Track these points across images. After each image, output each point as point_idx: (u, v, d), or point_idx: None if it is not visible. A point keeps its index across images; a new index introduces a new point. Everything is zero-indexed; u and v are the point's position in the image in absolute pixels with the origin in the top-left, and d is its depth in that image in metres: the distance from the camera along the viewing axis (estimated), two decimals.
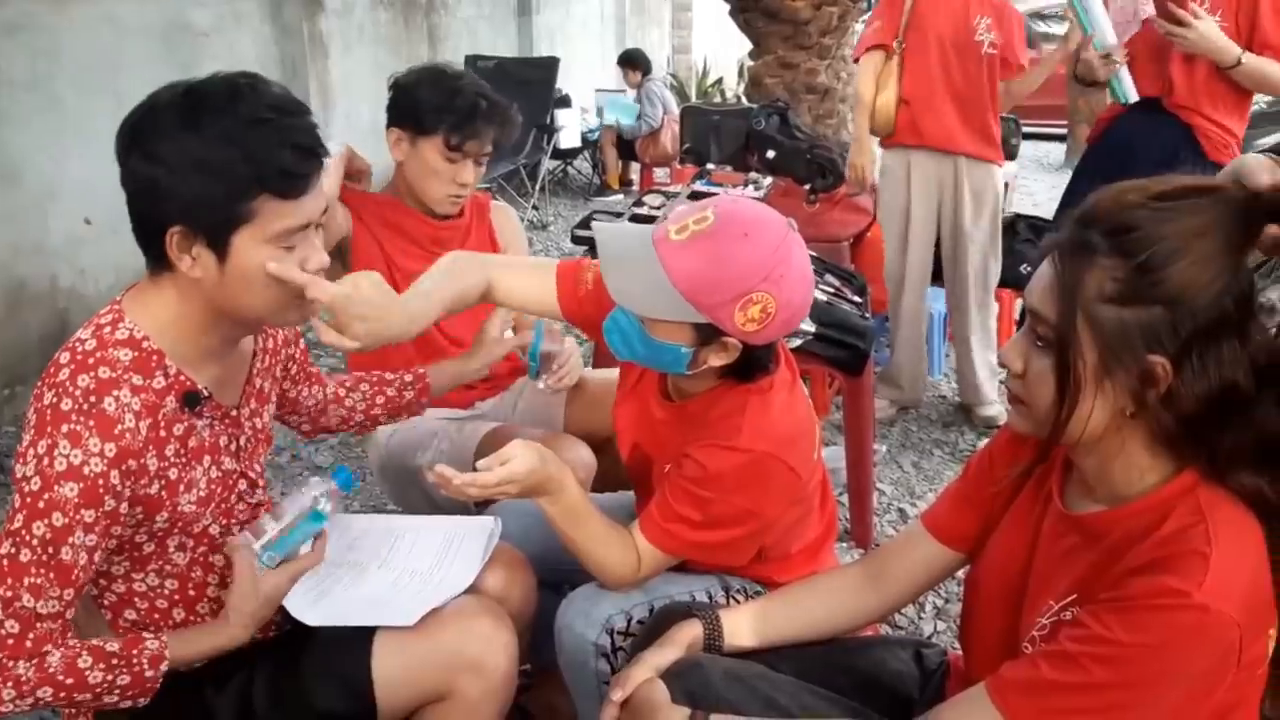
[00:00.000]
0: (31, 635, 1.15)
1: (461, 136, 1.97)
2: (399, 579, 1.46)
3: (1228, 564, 0.94)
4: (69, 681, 1.17)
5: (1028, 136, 4.95)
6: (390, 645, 1.32)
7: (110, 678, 1.19)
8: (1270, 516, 1.00)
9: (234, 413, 1.35)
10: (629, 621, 1.45)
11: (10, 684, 1.14)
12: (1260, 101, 6.28)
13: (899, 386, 3.61)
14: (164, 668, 1.23)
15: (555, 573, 1.67)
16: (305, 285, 1.24)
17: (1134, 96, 2.80)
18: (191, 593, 1.34)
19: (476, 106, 1.97)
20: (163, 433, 1.22)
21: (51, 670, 1.16)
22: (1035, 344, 1.05)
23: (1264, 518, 1.01)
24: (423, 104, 1.98)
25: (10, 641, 1.14)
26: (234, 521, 1.37)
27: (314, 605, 1.37)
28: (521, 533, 1.68)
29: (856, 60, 3.48)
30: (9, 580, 1.14)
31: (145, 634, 1.26)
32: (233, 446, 1.35)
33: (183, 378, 1.25)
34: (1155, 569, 0.96)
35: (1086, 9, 2.82)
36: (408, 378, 1.73)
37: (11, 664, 1.15)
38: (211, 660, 1.32)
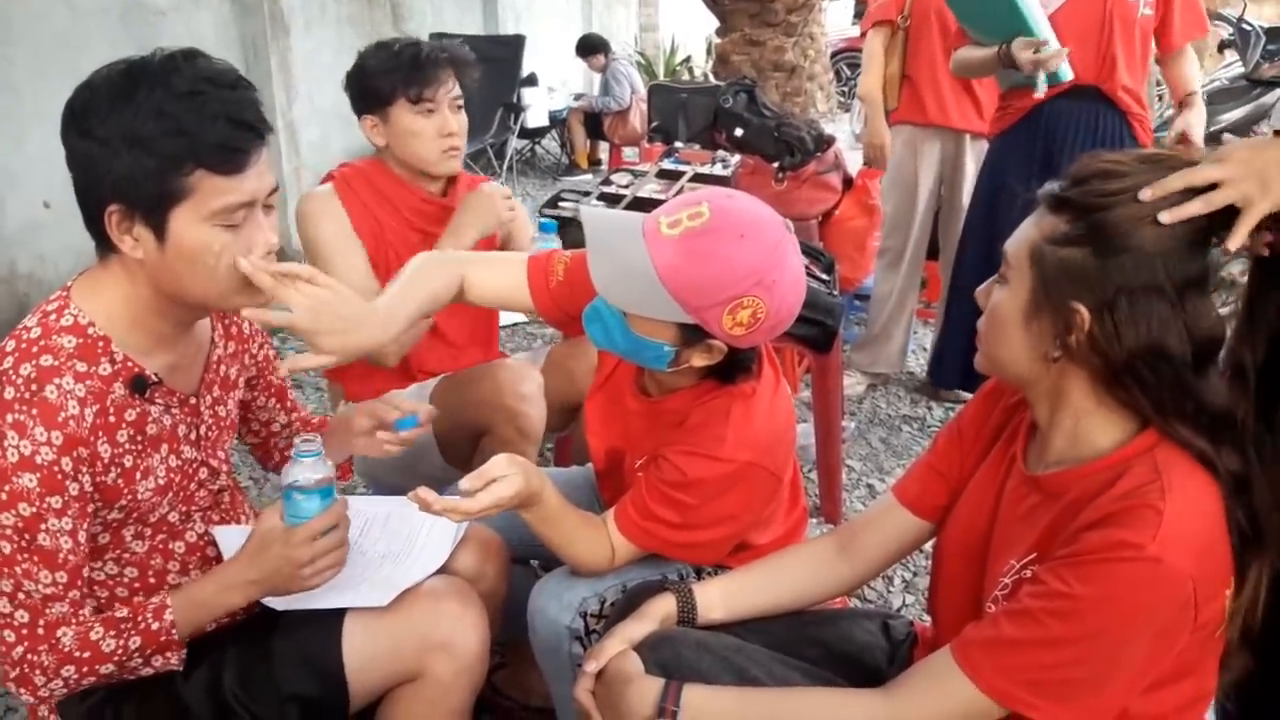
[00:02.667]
0: (42, 621, 1.17)
1: (419, 86, 1.96)
2: (369, 563, 1.45)
3: (1181, 519, 0.96)
4: (86, 655, 1.19)
5: None
6: (361, 627, 1.32)
7: (123, 643, 1.21)
8: (1235, 483, 1.03)
9: (192, 400, 1.34)
10: (602, 604, 1.46)
11: (38, 671, 1.18)
12: (1222, 78, 6.38)
13: (884, 360, 3.64)
14: (169, 616, 1.22)
15: (527, 548, 1.68)
16: (270, 291, 1.22)
17: (1068, 75, 2.61)
18: (152, 580, 1.33)
19: (419, 53, 1.97)
20: (112, 419, 1.21)
21: (67, 649, 1.18)
22: (998, 282, 1.11)
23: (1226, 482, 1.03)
24: (372, 76, 1.98)
25: (25, 631, 1.17)
26: (194, 508, 1.36)
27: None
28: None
29: (863, 35, 3.52)
30: (3, 571, 1.15)
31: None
32: (192, 435, 1.34)
33: (130, 363, 1.23)
34: (1109, 523, 0.99)
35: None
36: (312, 419, 1.67)
37: (33, 654, 1.17)
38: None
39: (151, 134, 1.12)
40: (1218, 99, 5.85)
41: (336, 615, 1.33)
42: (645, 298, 1.25)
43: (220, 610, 1.28)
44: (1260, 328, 1.09)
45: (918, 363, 3.90)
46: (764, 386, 1.41)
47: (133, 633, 1.21)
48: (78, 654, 1.19)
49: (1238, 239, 1.00)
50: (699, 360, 1.33)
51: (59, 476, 1.14)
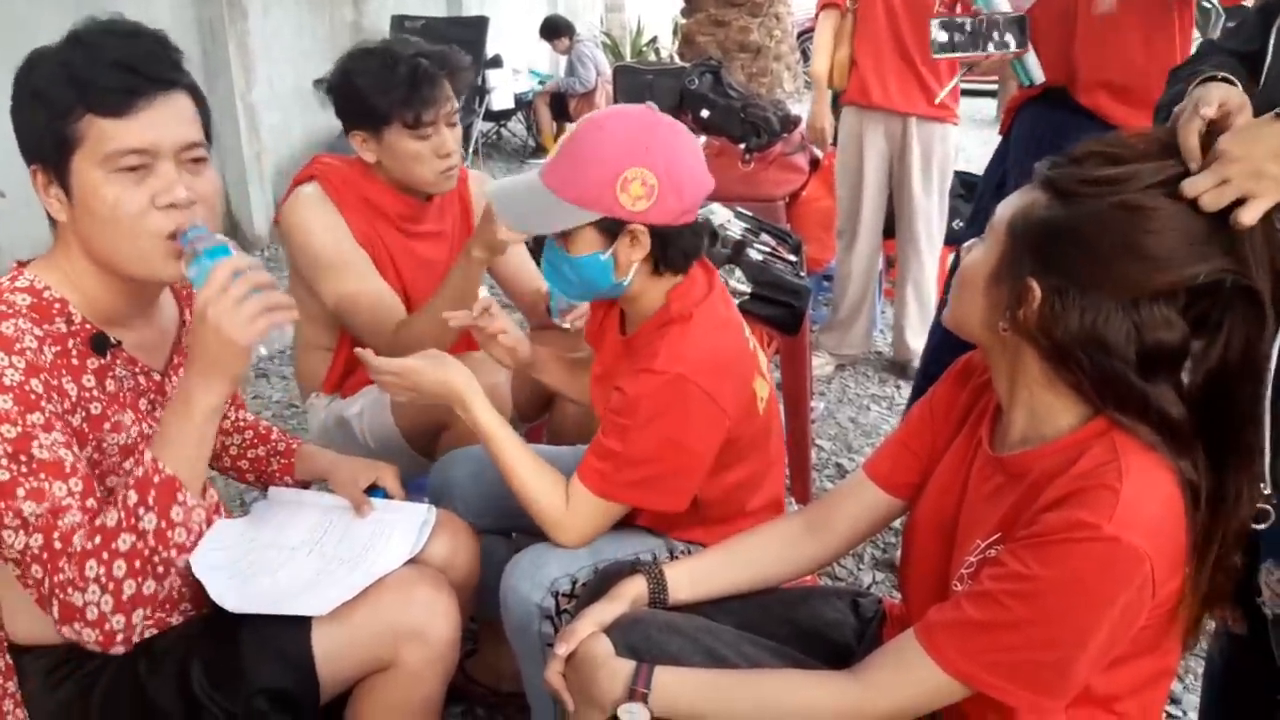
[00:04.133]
0: (56, 534, 1.13)
1: (418, 110, 1.84)
2: (327, 566, 1.43)
3: (1138, 499, 0.97)
4: (97, 541, 1.14)
5: (962, 93, 5.00)
6: (330, 618, 1.31)
7: (124, 505, 1.16)
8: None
9: (157, 376, 1.33)
10: (574, 584, 1.46)
11: (71, 590, 1.14)
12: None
13: (851, 340, 3.67)
14: (148, 456, 1.17)
15: (504, 519, 1.69)
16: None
17: (1040, 77, 2.26)
18: None
19: (417, 70, 1.84)
20: (74, 361, 1.20)
21: (79, 547, 1.14)
22: (980, 241, 1.13)
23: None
24: (365, 95, 1.85)
25: (45, 555, 1.14)
26: None
27: (239, 590, 1.34)
28: (471, 476, 1.71)
29: (815, 17, 3.52)
30: (6, 502, 1.12)
31: None
32: (158, 413, 1.32)
33: (88, 325, 1.23)
34: (1067, 504, 0.99)
35: None
36: (280, 446, 1.66)
37: (57, 574, 1.14)
38: (143, 641, 1.29)
39: (48, 85, 1.17)
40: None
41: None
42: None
43: (197, 424, 1.20)
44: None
45: (885, 342, 3.93)
46: (704, 314, 1.45)
47: (128, 489, 1.17)
48: (90, 545, 1.14)
49: (1249, 218, 0.98)
50: (635, 254, 1.41)
51: (32, 397, 1.12)
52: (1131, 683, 1.07)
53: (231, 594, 1.32)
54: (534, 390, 2.03)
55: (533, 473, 1.47)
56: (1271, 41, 1.27)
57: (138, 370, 1.30)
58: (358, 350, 1.57)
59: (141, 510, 1.17)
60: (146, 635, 1.22)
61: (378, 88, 1.84)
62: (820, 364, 3.58)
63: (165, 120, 1.19)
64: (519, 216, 1.46)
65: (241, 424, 1.66)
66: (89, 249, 1.22)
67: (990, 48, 2.17)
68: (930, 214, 3.47)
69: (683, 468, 1.44)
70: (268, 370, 3.86)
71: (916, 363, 3.55)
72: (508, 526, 1.75)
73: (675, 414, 1.39)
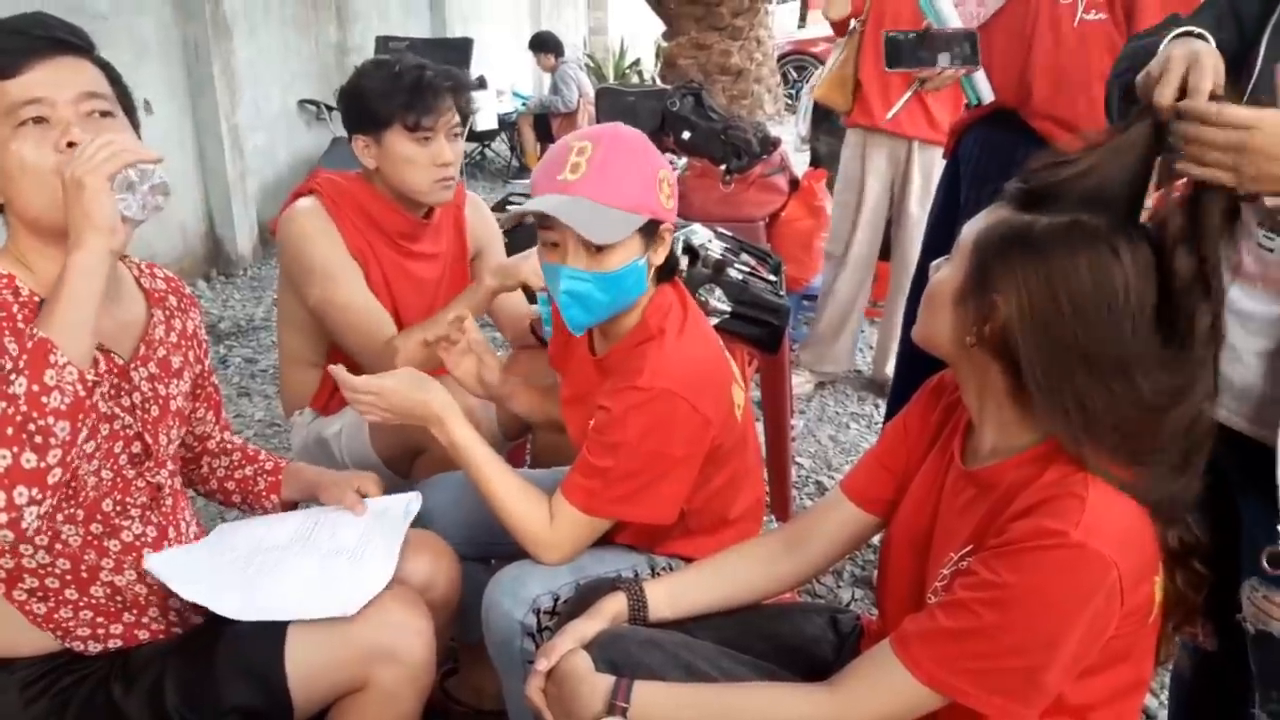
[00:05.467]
0: None
1: (418, 113, 1.89)
2: (324, 561, 1.44)
3: (1104, 506, 1.00)
4: (9, 432, 1.07)
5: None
6: (304, 638, 1.32)
7: (9, 398, 1.08)
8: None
9: (120, 362, 1.33)
10: (555, 601, 1.47)
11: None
12: None
13: (831, 359, 3.67)
14: (29, 330, 1.12)
15: (483, 546, 1.69)
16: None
17: (988, 97, 2.20)
18: (84, 574, 1.31)
19: (422, 78, 1.91)
20: (20, 324, 1.20)
21: None
22: (948, 260, 1.16)
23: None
24: (370, 98, 1.91)
25: None
26: (130, 502, 1.35)
27: (247, 599, 1.34)
28: (451, 504, 1.70)
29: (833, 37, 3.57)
30: None
31: None
32: (125, 401, 1.33)
33: (36, 298, 1.24)
34: (1035, 513, 1.02)
35: None
36: (267, 465, 1.66)
37: None
38: (118, 658, 1.32)
39: None
40: None
41: (279, 626, 1.32)
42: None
43: (69, 282, 1.13)
44: None
45: (865, 361, 3.96)
46: (679, 327, 1.48)
47: (15, 376, 1.09)
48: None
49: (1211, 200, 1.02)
50: (659, 257, 1.46)
51: None
52: (1105, 693, 1.09)
53: (242, 605, 1.32)
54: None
55: (515, 492, 1.48)
56: (1265, 38, 1.21)
57: (97, 351, 1.27)
58: (331, 368, 1.55)
59: (13, 376, 1.09)
60: (35, 526, 1.10)
61: (382, 92, 1.90)
62: (800, 382, 3.59)
63: (60, 75, 1.23)
64: (597, 230, 1.36)
65: (229, 446, 1.66)
66: (18, 214, 1.25)
67: (942, 62, 2.15)
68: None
69: (670, 479, 1.45)
70: (250, 389, 3.86)
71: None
72: (487, 553, 1.74)
73: (663, 428, 1.41)
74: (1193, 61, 1.05)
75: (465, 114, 1.99)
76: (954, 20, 2.18)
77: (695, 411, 1.42)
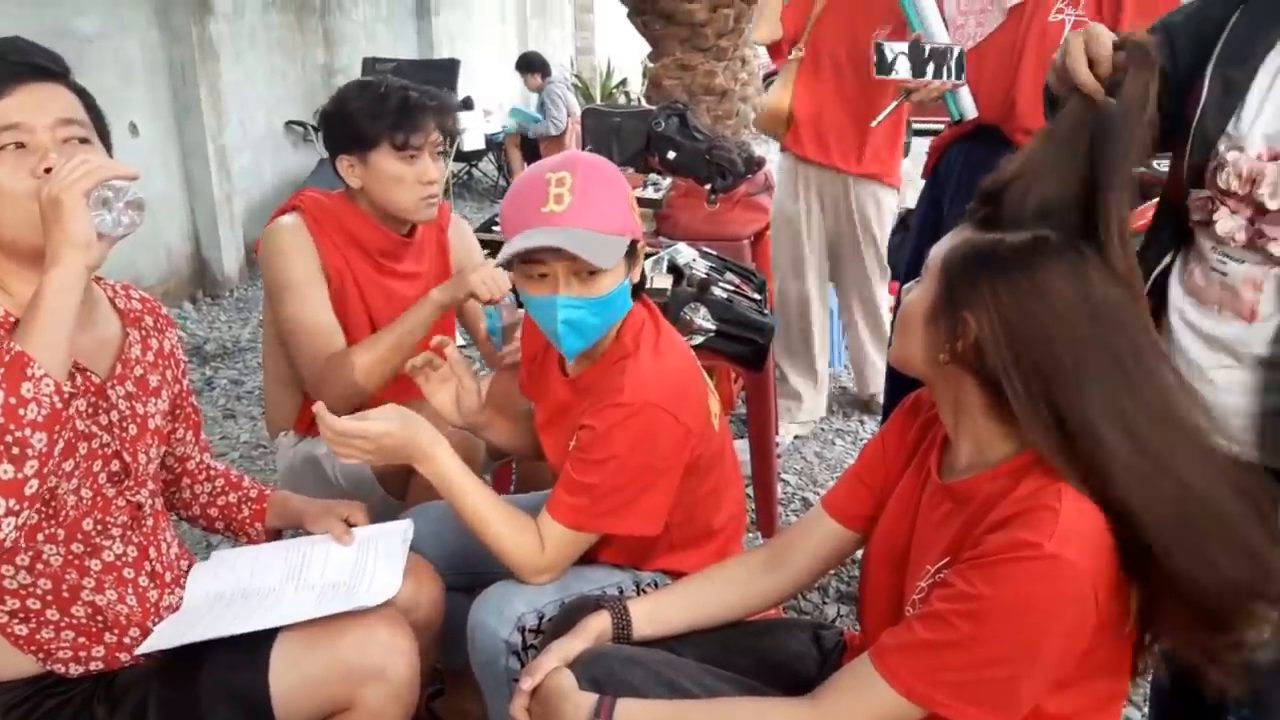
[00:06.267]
0: None
1: (405, 132, 1.92)
2: (324, 595, 1.44)
3: (1077, 518, 1.01)
4: None
5: (916, 133, 5.12)
6: (288, 659, 1.32)
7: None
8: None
9: (96, 380, 1.33)
10: (540, 619, 1.48)
11: None
12: None
13: (806, 411, 3.50)
14: (15, 345, 1.12)
15: (467, 576, 1.68)
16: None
17: (971, 113, 2.26)
18: (65, 595, 1.31)
19: (408, 99, 1.94)
20: None
21: None
22: (919, 282, 1.18)
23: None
24: (357, 119, 1.93)
25: None
26: (111, 522, 1.35)
27: (247, 621, 1.34)
28: (432, 535, 1.69)
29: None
30: None
31: None
32: (102, 419, 1.33)
33: (12, 317, 1.24)
34: (1010, 525, 1.03)
35: (915, 3, 2.29)
36: (251, 492, 1.66)
37: None
38: (102, 680, 1.32)
39: None
40: None
41: (263, 648, 1.33)
42: (610, 251, 1.40)
43: (45, 298, 1.14)
44: None
45: (849, 376, 3.98)
46: (653, 342, 1.50)
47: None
48: None
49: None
50: (636, 274, 1.51)
51: None
52: (1082, 703, 1.10)
53: (248, 624, 1.33)
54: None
55: (506, 523, 1.48)
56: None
57: (73, 370, 1.28)
58: (316, 408, 1.47)
59: (13, 401, 1.10)
60: (12, 538, 1.11)
61: (370, 113, 1.93)
62: (783, 433, 3.45)
63: (37, 101, 1.24)
64: (601, 258, 1.39)
65: (212, 471, 1.66)
66: None
67: (930, 74, 2.21)
68: (869, 267, 3.35)
69: (655, 491, 1.47)
70: (236, 411, 3.85)
71: (877, 398, 3.46)
72: (472, 582, 1.73)
73: (647, 441, 1.43)
74: (1088, 37, 1.17)
75: (449, 133, 2.02)
76: (942, 35, 2.25)
77: (677, 423, 1.44)
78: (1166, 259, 1.32)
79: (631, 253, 1.46)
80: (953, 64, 2.20)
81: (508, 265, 1.45)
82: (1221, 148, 1.24)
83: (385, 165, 1.94)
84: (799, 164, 3.33)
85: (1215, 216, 1.23)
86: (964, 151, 2.35)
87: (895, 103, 2.45)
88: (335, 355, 1.90)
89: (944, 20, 2.29)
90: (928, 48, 2.21)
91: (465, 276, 1.92)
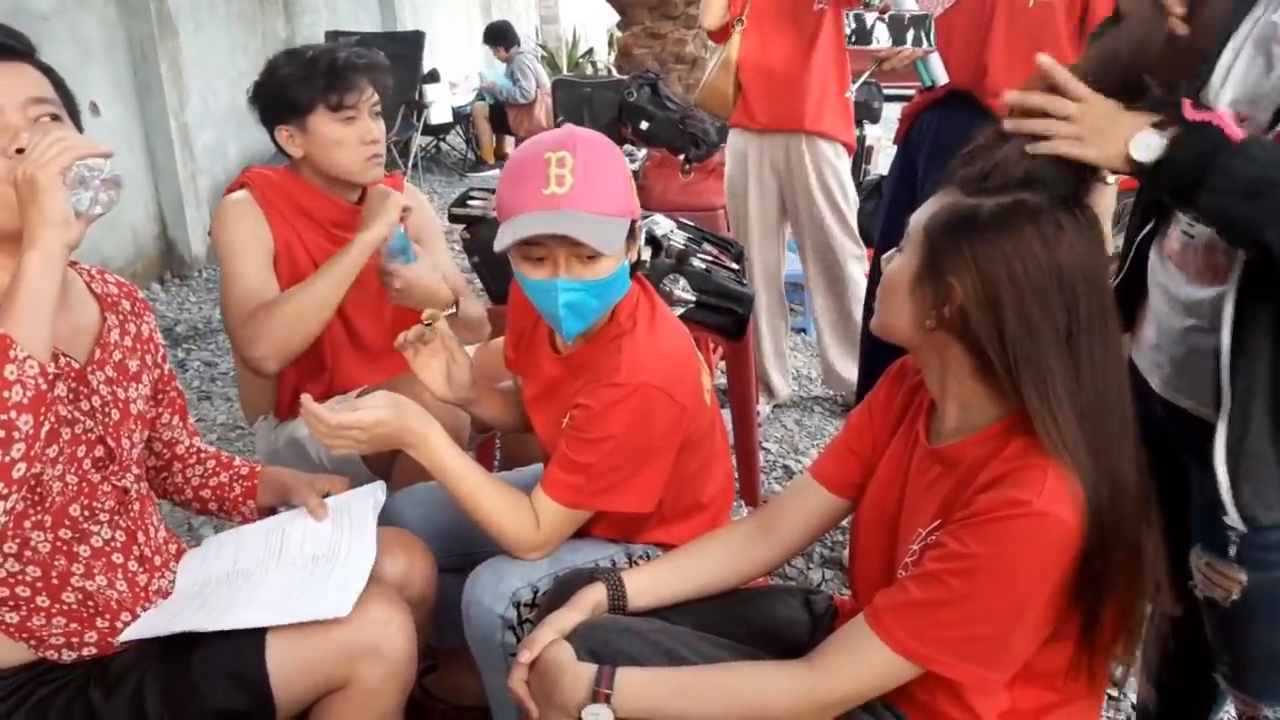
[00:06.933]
0: None
1: (339, 92, 1.90)
2: (306, 569, 1.44)
3: (1065, 475, 1.03)
4: None
5: (888, 99, 5.13)
6: (284, 638, 1.32)
7: None
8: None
9: (77, 365, 1.32)
10: (535, 593, 1.48)
11: None
12: None
13: (775, 386, 3.44)
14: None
15: (457, 557, 1.68)
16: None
17: (942, 79, 2.26)
18: (55, 581, 1.30)
19: (335, 59, 1.92)
20: None
21: None
22: (899, 251, 1.19)
23: None
24: (289, 85, 1.91)
25: None
26: (98, 507, 1.34)
27: (232, 619, 1.33)
28: (421, 518, 1.69)
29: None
30: None
31: None
32: (85, 405, 1.32)
33: None
34: (1000, 484, 1.06)
35: None
36: (242, 470, 1.65)
37: None
38: (96, 666, 1.31)
39: None
40: None
41: (259, 628, 1.32)
42: (614, 233, 1.38)
43: (25, 278, 1.13)
44: None
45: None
46: (649, 320, 1.50)
47: None
48: None
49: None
50: (634, 254, 1.49)
51: None
52: (1068, 660, 1.12)
53: (231, 622, 1.32)
54: None
55: (500, 501, 1.48)
56: None
57: (54, 356, 1.26)
58: (304, 404, 1.44)
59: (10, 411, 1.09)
60: (0, 522, 1.11)
61: (300, 78, 1.90)
62: (760, 404, 3.35)
63: (6, 81, 1.23)
64: (605, 241, 1.37)
65: (203, 454, 1.64)
66: None
67: (901, 43, 2.21)
68: (830, 232, 3.20)
69: (651, 468, 1.48)
70: (211, 392, 3.82)
71: (841, 380, 3.35)
72: (460, 564, 1.71)
73: (643, 421, 1.43)
74: None
75: (382, 92, 2.00)
76: (911, 3, 2.26)
77: (673, 402, 1.44)
78: (1148, 227, 1.33)
79: (631, 232, 1.45)
80: (923, 32, 2.21)
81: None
82: None
83: (324, 129, 1.92)
84: (749, 139, 3.19)
85: None
86: (937, 117, 2.35)
87: (867, 73, 2.45)
88: (262, 305, 1.85)
89: None
90: (898, 17, 2.21)
91: (435, 294, 1.88)
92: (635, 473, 1.46)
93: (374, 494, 1.58)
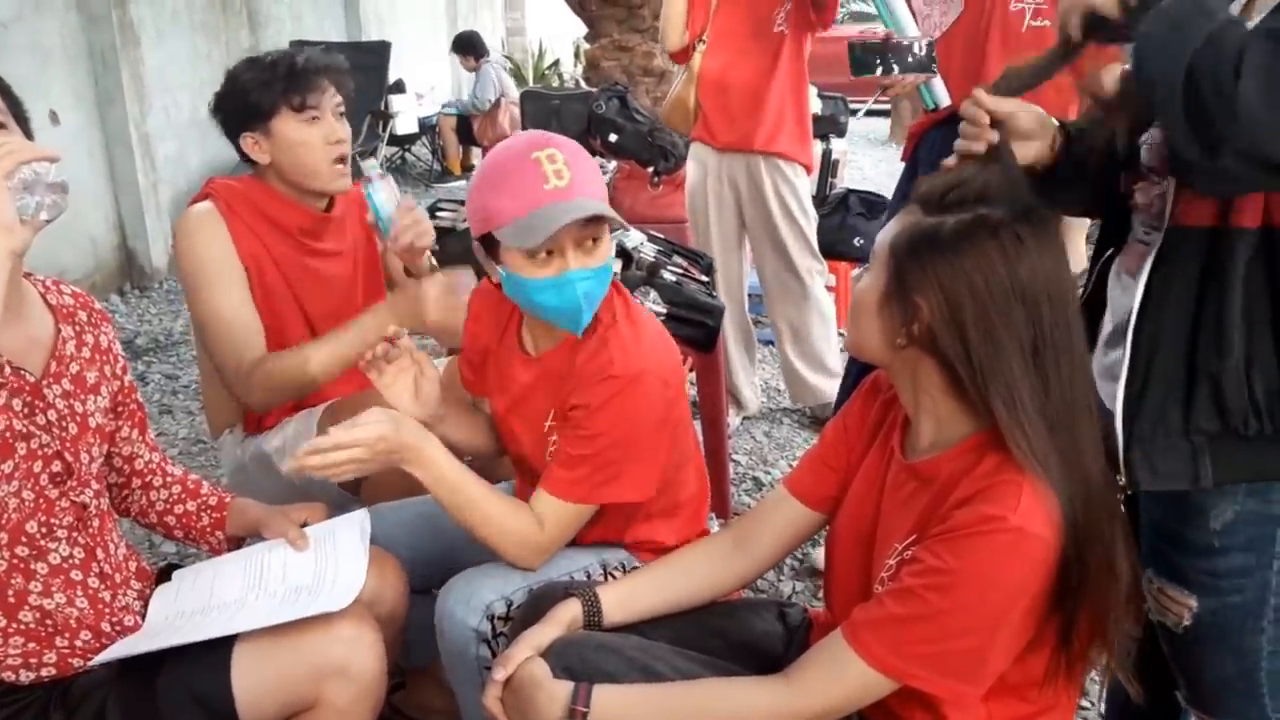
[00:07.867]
0: None
1: (301, 93, 1.88)
2: (286, 600, 1.40)
3: (1040, 491, 1.04)
4: None
5: (868, 113, 5.16)
6: (251, 658, 1.30)
7: None
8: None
9: (32, 379, 1.29)
10: (509, 606, 1.47)
11: None
12: None
13: (740, 402, 3.46)
14: None
15: (427, 578, 1.66)
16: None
17: (945, 101, 2.32)
18: (12, 600, 1.28)
19: (295, 61, 1.90)
20: None
21: None
22: (867, 270, 1.19)
23: None
24: (250, 90, 1.89)
25: None
26: (56, 523, 1.31)
27: (216, 626, 1.31)
28: (391, 538, 1.66)
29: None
30: None
31: None
32: (41, 419, 1.29)
33: None
34: (976, 500, 1.07)
35: (886, 1, 2.38)
36: (211, 500, 1.61)
37: None
38: (57, 687, 1.28)
39: None
40: None
41: (225, 647, 1.30)
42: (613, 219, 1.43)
43: None
44: None
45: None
46: (628, 313, 1.51)
47: None
48: None
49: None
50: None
51: None
52: (1044, 672, 1.13)
53: (199, 634, 1.29)
54: None
55: (498, 505, 1.46)
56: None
57: (6, 367, 1.25)
58: (300, 453, 1.39)
59: None
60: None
61: (261, 82, 1.88)
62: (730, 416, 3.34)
63: None
64: (617, 221, 1.46)
65: (168, 478, 1.60)
66: None
67: (902, 69, 2.23)
68: (788, 251, 3.24)
69: (652, 452, 1.49)
70: (172, 406, 3.76)
71: (813, 396, 3.37)
72: (427, 585, 1.69)
73: (643, 408, 1.45)
74: None
75: (345, 95, 1.98)
76: (912, 29, 2.32)
77: (668, 385, 1.47)
78: (1108, 252, 1.35)
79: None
80: (924, 57, 2.23)
81: (488, 248, 1.46)
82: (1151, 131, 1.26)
83: (288, 131, 1.90)
84: (709, 154, 3.23)
85: (1136, 189, 1.26)
86: (942, 135, 2.33)
87: (871, 100, 2.48)
88: (274, 360, 1.83)
89: (912, 13, 2.35)
90: (899, 44, 2.24)
91: (423, 307, 1.85)
92: (636, 459, 1.47)
93: (360, 523, 1.54)
